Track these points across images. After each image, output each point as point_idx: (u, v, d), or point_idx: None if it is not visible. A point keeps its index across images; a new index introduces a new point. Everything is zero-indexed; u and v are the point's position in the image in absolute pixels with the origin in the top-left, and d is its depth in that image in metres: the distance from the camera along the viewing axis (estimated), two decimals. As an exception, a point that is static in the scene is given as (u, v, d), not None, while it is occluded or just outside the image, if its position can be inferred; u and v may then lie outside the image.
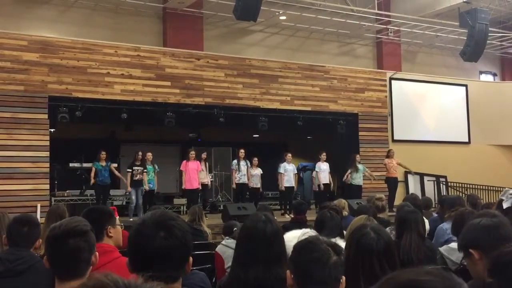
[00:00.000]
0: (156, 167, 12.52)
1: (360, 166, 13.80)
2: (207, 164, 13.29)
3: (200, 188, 12.76)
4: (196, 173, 12.50)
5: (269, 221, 2.65)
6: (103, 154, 12.02)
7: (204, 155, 13.31)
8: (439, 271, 1.12)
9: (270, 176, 13.66)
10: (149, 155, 12.45)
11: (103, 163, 11.98)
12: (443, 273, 1.11)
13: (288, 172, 13.13)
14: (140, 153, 12.25)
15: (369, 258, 2.42)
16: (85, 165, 13.90)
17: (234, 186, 13.17)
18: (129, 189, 11.94)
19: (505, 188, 5.82)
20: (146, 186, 12.09)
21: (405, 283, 1.09)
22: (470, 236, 2.58)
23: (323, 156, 13.72)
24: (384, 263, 2.49)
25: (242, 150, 13.18)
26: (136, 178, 12.01)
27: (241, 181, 12.91)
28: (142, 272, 1.79)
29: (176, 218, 1.91)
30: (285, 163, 13.17)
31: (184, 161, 12.68)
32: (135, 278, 1.58)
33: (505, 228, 2.59)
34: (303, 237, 3.58)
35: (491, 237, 2.50)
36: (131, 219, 11.05)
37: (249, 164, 13.06)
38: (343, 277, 2.06)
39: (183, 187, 12.80)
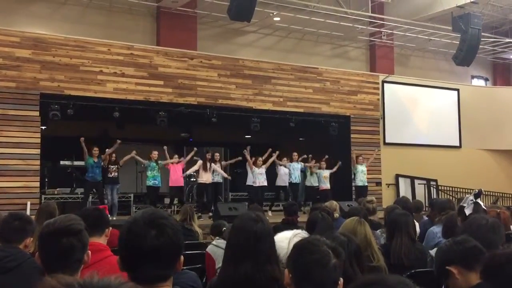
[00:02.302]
0: (160, 162, 12.45)
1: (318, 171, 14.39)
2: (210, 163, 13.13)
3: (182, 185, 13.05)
4: (180, 172, 12.75)
5: (260, 220, 2.66)
6: (96, 151, 11.84)
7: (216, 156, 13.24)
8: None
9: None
10: (155, 154, 12.42)
11: (95, 159, 11.81)
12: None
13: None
14: (113, 155, 12.26)
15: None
16: (76, 163, 13.82)
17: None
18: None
19: (477, 191, 5.89)
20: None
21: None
22: (443, 256, 2.69)
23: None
24: (354, 264, 2.54)
25: (217, 154, 13.38)
26: (111, 176, 12.05)
27: (214, 181, 13.01)
28: (133, 271, 1.79)
29: (167, 217, 1.90)
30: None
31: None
32: (124, 278, 1.57)
33: (472, 242, 2.71)
34: (294, 238, 3.59)
35: (462, 249, 2.62)
36: (114, 218, 10.99)
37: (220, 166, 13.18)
38: (341, 279, 2.05)
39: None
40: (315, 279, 2.02)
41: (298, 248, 2.14)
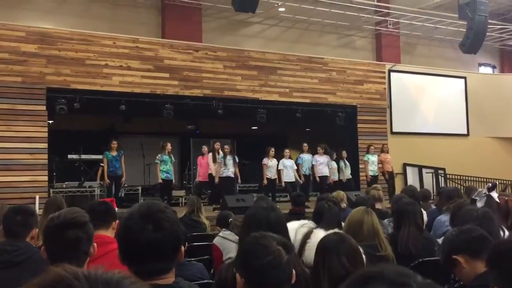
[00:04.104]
0: (173, 157, 12.48)
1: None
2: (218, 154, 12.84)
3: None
4: (207, 168, 12.92)
5: (272, 209, 2.67)
6: (114, 144, 11.78)
7: (217, 145, 13.02)
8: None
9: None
10: (169, 146, 12.36)
11: (114, 153, 11.75)
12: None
13: (287, 168, 13.17)
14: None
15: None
16: (83, 156, 13.87)
17: (216, 180, 12.67)
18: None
19: (486, 179, 5.87)
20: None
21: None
22: (449, 245, 2.70)
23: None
24: (345, 263, 2.55)
25: (227, 146, 12.91)
26: None
27: (224, 175, 12.49)
28: (133, 265, 1.78)
29: (164, 209, 1.88)
30: (283, 159, 13.21)
31: (200, 157, 13.12)
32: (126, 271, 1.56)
33: (478, 230, 2.72)
34: (301, 229, 3.60)
35: (468, 238, 2.63)
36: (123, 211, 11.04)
37: (236, 159, 12.74)
38: (293, 271, 2.01)
39: (196, 180, 13.68)
40: (272, 280, 1.95)
41: (249, 251, 2.03)
